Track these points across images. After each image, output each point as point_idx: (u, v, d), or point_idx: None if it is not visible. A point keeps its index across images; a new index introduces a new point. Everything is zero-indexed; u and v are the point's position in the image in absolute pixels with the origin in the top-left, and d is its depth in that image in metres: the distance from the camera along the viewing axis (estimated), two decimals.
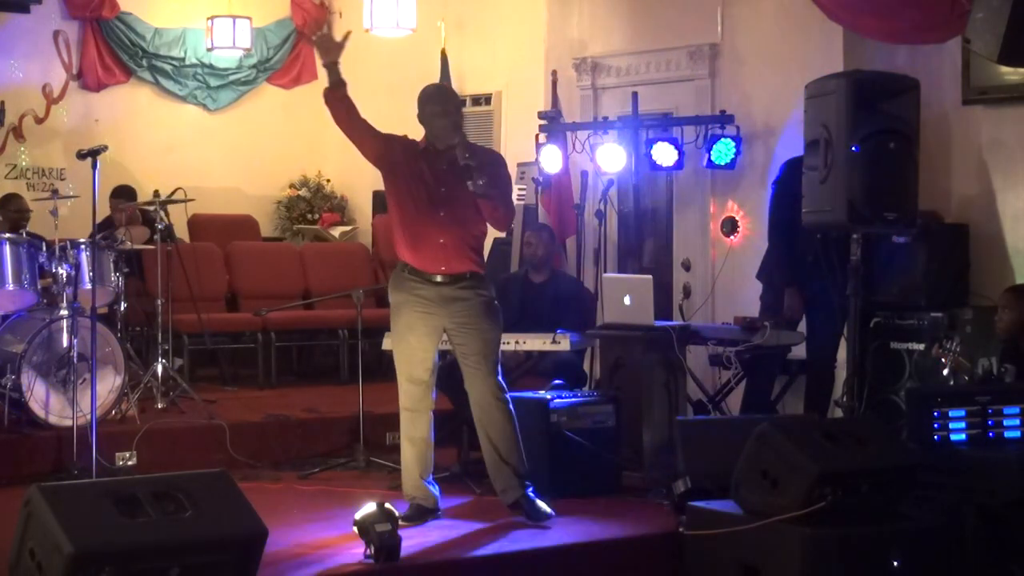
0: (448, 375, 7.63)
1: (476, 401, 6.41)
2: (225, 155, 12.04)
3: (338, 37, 6.26)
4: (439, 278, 6.25)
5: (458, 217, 6.22)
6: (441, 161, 6.26)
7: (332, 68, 6.28)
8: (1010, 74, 7.68)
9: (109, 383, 7.72)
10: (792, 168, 7.73)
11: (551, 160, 9.39)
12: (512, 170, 10.52)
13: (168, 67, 11.80)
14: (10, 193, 9.95)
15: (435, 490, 6.44)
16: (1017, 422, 6.38)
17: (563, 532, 6.34)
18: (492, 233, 10.73)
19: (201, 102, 12.00)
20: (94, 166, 7.08)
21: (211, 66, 11.99)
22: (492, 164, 6.34)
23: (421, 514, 6.30)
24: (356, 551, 5.60)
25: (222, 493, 4.92)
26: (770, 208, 7.98)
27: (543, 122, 9.61)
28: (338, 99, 6.37)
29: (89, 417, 6.99)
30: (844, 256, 7.02)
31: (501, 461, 6.39)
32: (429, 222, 6.21)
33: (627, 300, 7.73)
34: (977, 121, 8.04)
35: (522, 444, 6.52)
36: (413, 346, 6.30)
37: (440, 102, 6.35)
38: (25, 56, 11.15)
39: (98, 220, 7.72)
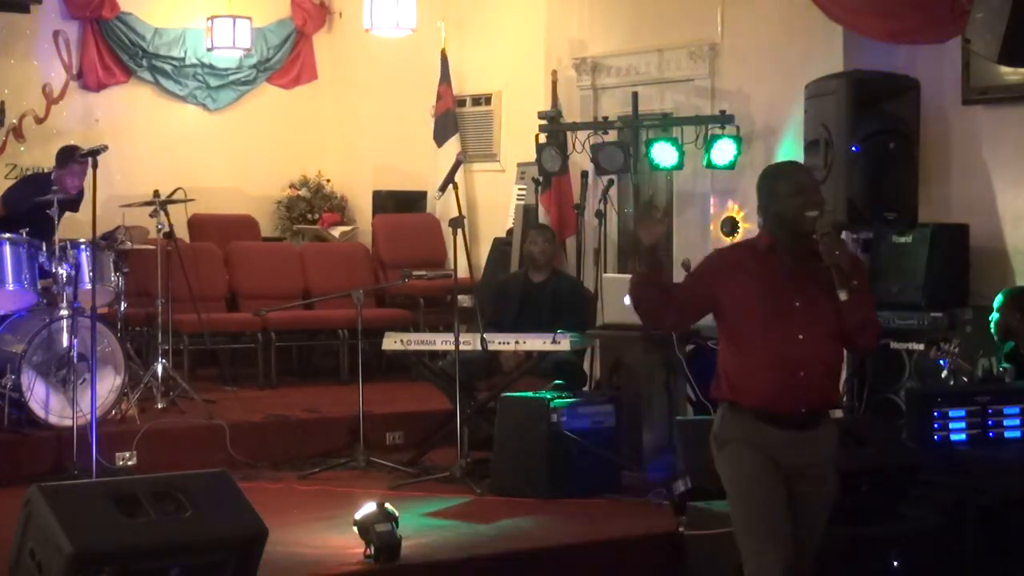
0: (448, 374, 7.64)
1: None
2: (225, 155, 12.03)
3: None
4: (796, 419, 4.67)
5: (820, 333, 4.66)
6: (785, 262, 4.70)
7: (651, 253, 4.82)
8: (1010, 74, 7.68)
9: (109, 383, 7.72)
10: None
11: (551, 160, 9.39)
12: (512, 170, 10.63)
13: (168, 67, 11.79)
14: None
15: None
16: (1017, 422, 6.38)
17: (563, 532, 6.34)
18: (491, 232, 10.88)
19: (201, 102, 11.99)
20: (94, 166, 7.08)
21: (211, 66, 11.98)
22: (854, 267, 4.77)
23: None
24: (356, 551, 5.60)
25: (222, 493, 4.93)
26: None
27: (543, 122, 9.61)
28: (659, 290, 4.86)
29: (89, 417, 6.99)
30: None
31: None
32: (784, 347, 4.63)
33: (627, 300, 7.70)
34: (977, 121, 8.03)
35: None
36: (766, 501, 4.68)
37: (791, 175, 4.81)
38: (25, 56, 11.14)
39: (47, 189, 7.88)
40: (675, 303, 4.84)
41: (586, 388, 8.22)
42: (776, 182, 4.72)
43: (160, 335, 8.71)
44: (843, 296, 4.56)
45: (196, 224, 10.58)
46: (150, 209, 8.76)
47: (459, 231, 7.60)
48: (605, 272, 9.12)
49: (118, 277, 8.21)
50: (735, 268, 4.75)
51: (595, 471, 7.12)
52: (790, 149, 8.45)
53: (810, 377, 4.63)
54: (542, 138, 9.54)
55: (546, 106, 9.93)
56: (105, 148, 7.29)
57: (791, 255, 4.68)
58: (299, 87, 12.47)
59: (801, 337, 4.61)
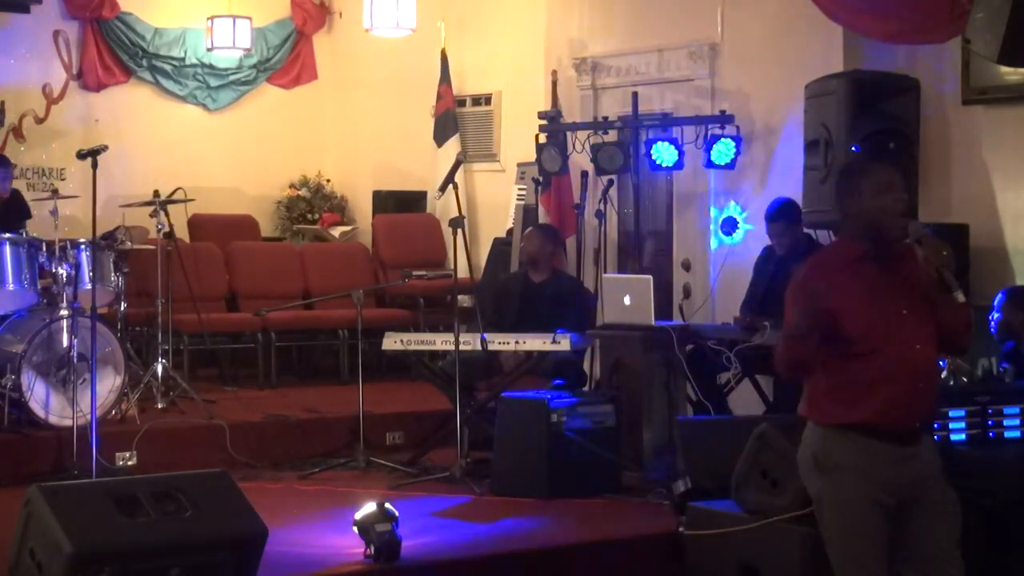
0: (448, 374, 7.64)
1: None
2: (225, 155, 12.04)
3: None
4: (906, 434, 4.46)
5: (930, 341, 4.46)
6: (880, 269, 4.45)
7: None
8: (1010, 74, 7.68)
9: (109, 383, 7.72)
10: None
11: (551, 160, 9.39)
12: (512, 170, 10.63)
13: (168, 67, 11.79)
14: None
15: None
16: (1017, 422, 6.37)
17: (563, 532, 6.34)
18: (491, 232, 10.87)
19: (201, 102, 12.00)
20: (94, 166, 7.08)
21: (211, 66, 11.98)
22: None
23: None
24: (356, 551, 5.61)
25: (222, 493, 4.93)
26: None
27: (543, 122, 9.60)
28: (810, 346, 4.44)
29: (89, 417, 6.99)
30: None
31: None
32: (904, 360, 4.40)
33: (627, 300, 7.73)
34: (977, 121, 8.03)
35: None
36: (867, 535, 4.47)
37: (874, 172, 4.49)
38: (25, 56, 11.14)
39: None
40: (817, 350, 4.45)
41: (586, 388, 8.22)
42: (859, 180, 4.44)
43: (160, 335, 8.72)
44: (960, 298, 4.34)
45: (196, 224, 10.58)
46: (150, 209, 8.77)
47: (459, 231, 7.60)
48: (605, 272, 9.12)
49: (118, 277, 8.22)
50: (835, 288, 4.42)
51: (595, 471, 7.12)
52: (790, 149, 8.46)
53: (927, 388, 4.46)
54: (542, 138, 9.53)
55: (546, 106, 9.92)
56: (105, 148, 7.29)
57: (882, 261, 4.43)
58: (299, 87, 12.48)
59: (918, 347, 4.40)
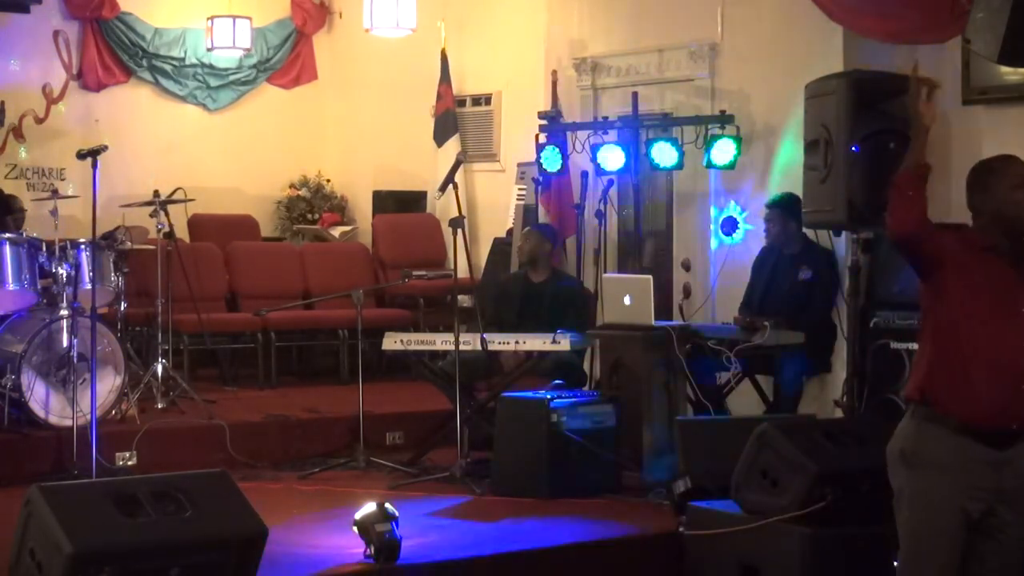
0: (448, 374, 7.64)
1: None
2: (225, 155, 12.04)
3: None
4: (1004, 436, 4.30)
5: None
6: (1007, 263, 4.37)
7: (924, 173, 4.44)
8: (1010, 74, 7.68)
9: (109, 383, 7.72)
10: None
11: (551, 160, 9.39)
12: (512, 170, 10.63)
13: (168, 67, 11.79)
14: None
15: None
16: None
17: (563, 532, 6.34)
18: (491, 232, 10.87)
19: (201, 102, 12.00)
20: (94, 166, 7.08)
21: (211, 66, 11.98)
22: None
23: None
24: (356, 551, 5.61)
25: (222, 493, 4.93)
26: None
27: (543, 122, 9.60)
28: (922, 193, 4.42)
29: (89, 417, 6.99)
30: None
31: None
32: (1012, 357, 4.28)
33: (627, 300, 7.73)
34: (977, 121, 8.03)
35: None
36: (941, 540, 4.35)
37: (1008, 168, 4.42)
38: (25, 56, 11.15)
39: None
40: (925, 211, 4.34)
41: (586, 388, 8.22)
42: (990, 177, 4.38)
43: (160, 335, 8.72)
44: None
45: (196, 224, 10.58)
46: (150, 209, 8.77)
47: (459, 231, 7.60)
48: (605, 272, 9.12)
49: (118, 277, 8.22)
50: (960, 257, 4.34)
51: (595, 471, 7.12)
52: (790, 149, 8.46)
53: None
54: (542, 138, 9.53)
55: (546, 106, 9.92)
56: (105, 148, 7.29)
57: (1011, 256, 4.33)
58: (299, 87, 12.48)
59: None
